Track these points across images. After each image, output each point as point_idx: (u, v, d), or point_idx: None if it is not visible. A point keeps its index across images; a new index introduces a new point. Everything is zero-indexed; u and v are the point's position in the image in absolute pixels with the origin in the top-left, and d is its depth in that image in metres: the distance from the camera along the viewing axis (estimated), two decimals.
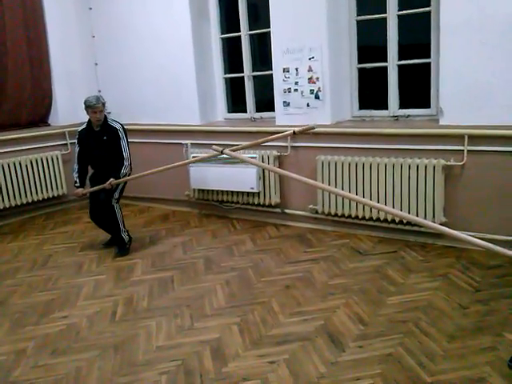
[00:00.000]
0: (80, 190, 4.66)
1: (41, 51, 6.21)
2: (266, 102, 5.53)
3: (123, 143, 4.55)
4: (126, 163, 4.55)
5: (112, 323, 3.40)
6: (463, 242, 4.11)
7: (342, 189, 4.70)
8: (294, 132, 3.41)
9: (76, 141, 4.71)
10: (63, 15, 6.34)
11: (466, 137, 4.02)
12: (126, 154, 4.55)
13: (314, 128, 3.37)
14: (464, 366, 2.62)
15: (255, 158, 5.13)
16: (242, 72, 5.66)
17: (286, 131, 3.61)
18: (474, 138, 4.01)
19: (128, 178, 4.65)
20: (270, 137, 3.75)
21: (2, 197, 5.79)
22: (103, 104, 4.48)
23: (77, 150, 4.69)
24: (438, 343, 2.84)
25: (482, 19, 3.83)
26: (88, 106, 4.42)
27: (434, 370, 2.60)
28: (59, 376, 2.81)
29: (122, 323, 3.39)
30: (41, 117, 6.43)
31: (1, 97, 5.94)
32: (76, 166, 4.68)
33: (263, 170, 5.17)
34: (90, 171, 4.78)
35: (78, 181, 4.66)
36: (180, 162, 4.53)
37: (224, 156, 5.14)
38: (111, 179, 4.46)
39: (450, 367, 2.62)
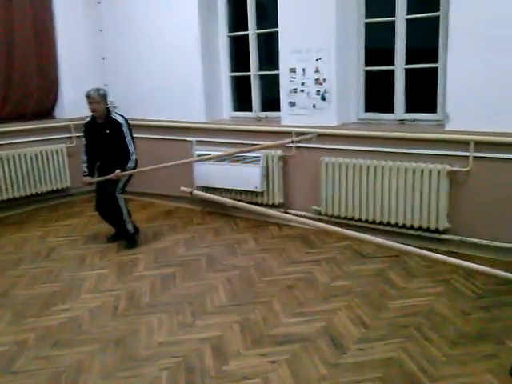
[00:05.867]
0: (87, 178, 4.75)
1: (48, 44, 6.22)
2: (271, 102, 5.53)
3: (127, 137, 4.57)
4: (132, 157, 4.59)
5: (114, 317, 3.41)
6: (467, 248, 4.16)
7: (346, 191, 4.71)
8: (292, 141, 3.39)
9: (83, 133, 4.78)
10: (71, 8, 6.33)
11: (472, 143, 4.02)
12: (131, 149, 4.59)
13: (312, 139, 3.33)
14: (465, 372, 2.62)
15: (259, 158, 5.14)
16: (249, 71, 5.65)
17: (283, 141, 3.61)
18: (480, 145, 4.01)
19: (135, 170, 4.68)
20: (268, 144, 3.74)
21: (7, 188, 5.79)
22: (100, 95, 4.48)
23: (84, 142, 4.75)
24: (440, 349, 2.84)
25: (492, 25, 3.83)
26: (85, 96, 4.48)
27: (435, 376, 2.60)
28: (60, 368, 2.82)
29: (123, 318, 3.40)
30: (46, 109, 6.43)
31: (7, 88, 5.95)
32: (85, 158, 4.74)
33: (267, 169, 5.19)
34: (98, 162, 4.82)
35: (86, 170, 4.75)
36: (187, 160, 4.57)
37: (229, 154, 5.21)
38: (118, 170, 4.51)
39: (451, 373, 2.62)
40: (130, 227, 4.77)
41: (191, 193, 3.42)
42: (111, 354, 2.96)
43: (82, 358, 2.91)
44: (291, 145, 4.98)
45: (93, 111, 4.52)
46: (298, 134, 4.90)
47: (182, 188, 3.32)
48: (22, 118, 6.13)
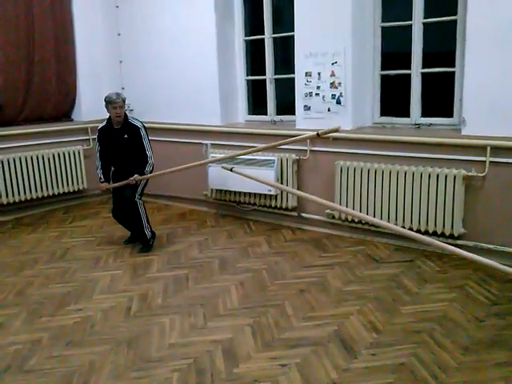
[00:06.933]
0: (104, 184, 4.76)
1: (67, 47, 6.31)
2: (286, 106, 5.54)
3: (145, 142, 4.59)
4: (150, 161, 4.61)
5: (126, 318, 3.43)
6: (482, 254, 4.08)
7: (360, 195, 4.69)
8: (318, 134, 3.29)
9: (96, 138, 4.77)
10: (90, 12, 6.43)
11: (489, 148, 3.97)
12: (149, 153, 4.60)
13: (337, 130, 3.28)
14: (478, 379, 2.59)
15: (274, 161, 5.15)
16: (264, 74, 5.67)
17: (307, 134, 3.55)
18: (496, 150, 3.96)
19: (152, 174, 4.70)
20: (292, 138, 3.68)
21: (24, 189, 5.88)
22: (123, 100, 4.52)
23: (97, 148, 4.73)
24: (452, 355, 2.81)
25: (509, 29, 3.79)
26: (108, 102, 4.47)
27: (446, 383, 2.57)
28: (73, 368, 2.85)
29: (136, 319, 3.42)
30: (64, 112, 6.52)
31: (27, 91, 6.04)
32: (98, 163, 4.74)
33: (281, 172, 5.19)
34: (112, 168, 4.82)
35: (102, 177, 4.75)
36: (203, 161, 4.60)
37: (242, 157, 5.22)
38: (136, 175, 4.52)
39: (463, 380, 2.59)
40: (148, 233, 4.78)
41: (231, 169, 3.53)
42: (123, 354, 2.98)
43: (94, 359, 2.94)
44: (304, 148, 5.00)
45: (118, 116, 4.50)
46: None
47: (224, 165, 3.47)
48: (40, 121, 6.22)
